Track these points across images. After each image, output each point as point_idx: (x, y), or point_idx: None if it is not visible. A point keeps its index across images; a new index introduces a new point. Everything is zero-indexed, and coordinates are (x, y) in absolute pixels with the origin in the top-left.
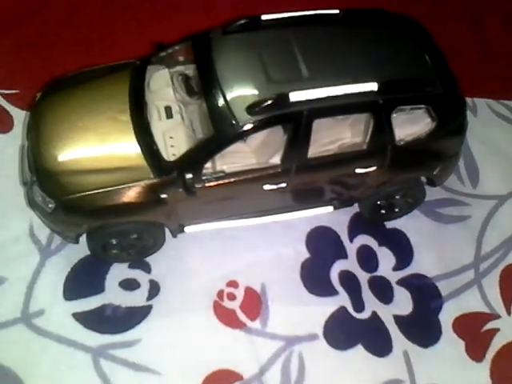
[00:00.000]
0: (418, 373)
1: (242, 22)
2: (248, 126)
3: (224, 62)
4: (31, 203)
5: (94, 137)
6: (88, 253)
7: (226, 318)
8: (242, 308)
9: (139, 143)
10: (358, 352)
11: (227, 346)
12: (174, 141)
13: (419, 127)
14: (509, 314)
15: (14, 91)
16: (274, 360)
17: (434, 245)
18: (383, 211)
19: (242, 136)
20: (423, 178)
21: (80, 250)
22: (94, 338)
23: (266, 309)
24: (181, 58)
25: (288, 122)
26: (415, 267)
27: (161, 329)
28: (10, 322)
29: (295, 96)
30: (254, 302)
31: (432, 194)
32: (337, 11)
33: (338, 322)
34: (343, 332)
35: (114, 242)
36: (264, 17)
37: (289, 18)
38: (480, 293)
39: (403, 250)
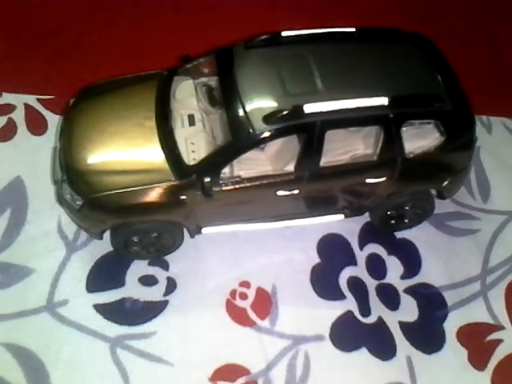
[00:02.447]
0: (420, 378)
1: (263, 37)
2: (264, 135)
3: (245, 74)
4: (60, 200)
5: (122, 141)
6: (111, 249)
7: (238, 315)
8: (252, 307)
9: (163, 148)
10: (363, 354)
11: (237, 342)
12: (194, 146)
13: (428, 141)
14: None
15: (49, 97)
16: (281, 357)
17: (443, 256)
18: (393, 221)
19: (258, 143)
20: (433, 191)
21: (103, 246)
22: (113, 329)
23: (275, 309)
24: (205, 70)
25: (302, 131)
26: (423, 277)
27: (175, 323)
28: (35, 309)
29: (309, 108)
30: (265, 302)
31: (443, 207)
32: (353, 29)
33: (345, 325)
34: (349, 335)
35: (135, 239)
36: (284, 33)
37: (307, 34)
38: (485, 304)
39: (412, 260)
